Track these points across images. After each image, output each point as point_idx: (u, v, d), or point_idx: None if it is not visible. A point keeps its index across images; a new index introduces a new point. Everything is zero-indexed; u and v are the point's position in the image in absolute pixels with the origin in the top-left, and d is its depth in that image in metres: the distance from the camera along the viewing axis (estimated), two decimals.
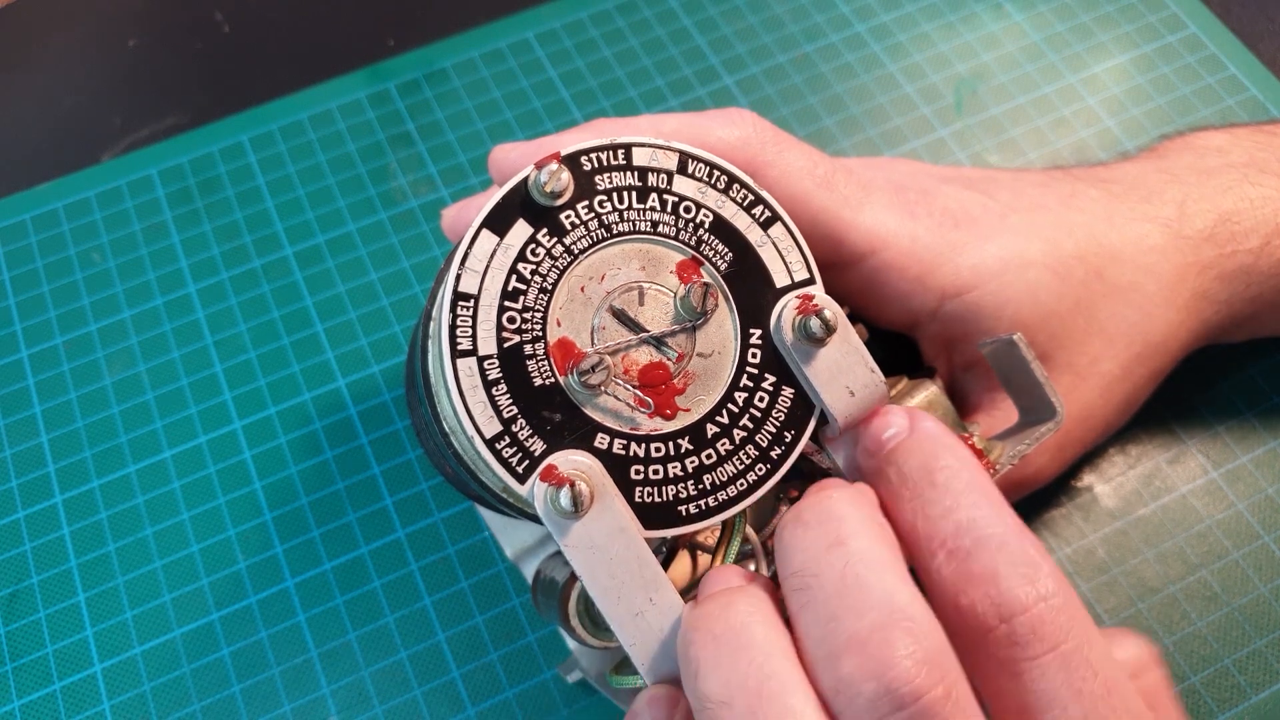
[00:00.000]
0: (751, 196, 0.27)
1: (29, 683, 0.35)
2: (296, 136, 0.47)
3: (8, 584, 0.37)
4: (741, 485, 0.26)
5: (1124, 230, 0.34)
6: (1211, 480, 0.38)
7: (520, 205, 0.26)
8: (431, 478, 0.39)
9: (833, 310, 0.26)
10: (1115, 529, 0.36)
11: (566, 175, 0.26)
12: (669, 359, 0.26)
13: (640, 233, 0.26)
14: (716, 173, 0.27)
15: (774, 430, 0.27)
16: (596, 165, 0.26)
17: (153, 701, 0.35)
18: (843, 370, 0.26)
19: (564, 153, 0.26)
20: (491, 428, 0.25)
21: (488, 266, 0.25)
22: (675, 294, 0.26)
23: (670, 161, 0.27)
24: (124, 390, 0.41)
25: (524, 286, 0.25)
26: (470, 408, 0.25)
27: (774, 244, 0.27)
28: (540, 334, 0.25)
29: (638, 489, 0.26)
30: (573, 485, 0.24)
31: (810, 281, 0.27)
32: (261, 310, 0.42)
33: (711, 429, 0.26)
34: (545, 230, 0.26)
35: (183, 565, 0.37)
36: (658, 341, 0.26)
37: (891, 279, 0.32)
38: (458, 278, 0.25)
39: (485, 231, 0.25)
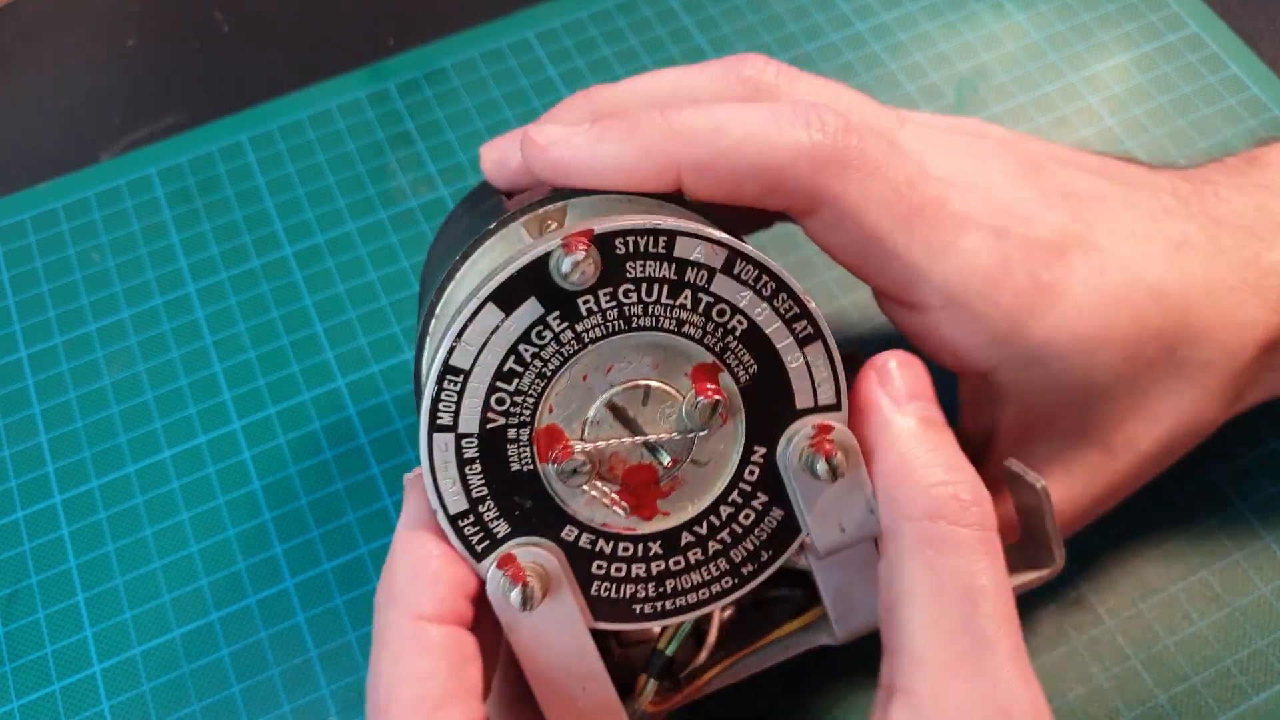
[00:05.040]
0: (796, 309, 0.24)
1: (28, 683, 0.35)
2: (296, 136, 0.47)
3: (7, 584, 0.37)
4: (703, 594, 0.25)
5: (1219, 304, 0.29)
6: (1213, 481, 0.37)
7: (534, 282, 0.23)
8: None
9: (846, 450, 0.24)
10: (1117, 529, 0.36)
11: (594, 265, 0.23)
12: (660, 463, 0.25)
13: (662, 329, 0.24)
14: (765, 278, 0.24)
15: (751, 548, 0.25)
16: (630, 251, 0.23)
17: (152, 702, 0.35)
18: (841, 509, 0.25)
19: (597, 232, 0.23)
20: (457, 505, 0.24)
21: (485, 343, 0.23)
22: (684, 399, 0.24)
23: (716, 259, 0.23)
24: (123, 390, 0.41)
25: (521, 369, 0.23)
26: (439, 483, 0.24)
27: (807, 363, 0.24)
28: (529, 419, 0.24)
29: (597, 583, 0.25)
30: (525, 584, 0.24)
31: (835, 408, 0.25)
32: (261, 310, 0.42)
33: (687, 537, 0.25)
34: (557, 314, 0.23)
35: (182, 565, 0.37)
36: (651, 448, 0.25)
37: (954, 336, 0.28)
38: (450, 350, 0.23)
39: (490, 306, 0.23)
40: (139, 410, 0.40)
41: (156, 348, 0.42)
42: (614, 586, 0.25)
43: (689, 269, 0.23)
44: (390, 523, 0.38)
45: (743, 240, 0.24)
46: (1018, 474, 0.28)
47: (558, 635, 0.24)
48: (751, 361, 0.24)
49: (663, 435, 0.24)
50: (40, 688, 0.35)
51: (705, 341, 0.24)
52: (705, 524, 0.25)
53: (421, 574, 0.24)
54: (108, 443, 0.40)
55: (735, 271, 0.24)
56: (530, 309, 0.23)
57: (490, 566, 0.24)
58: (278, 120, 0.47)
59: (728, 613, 0.29)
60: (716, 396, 0.24)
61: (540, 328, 0.23)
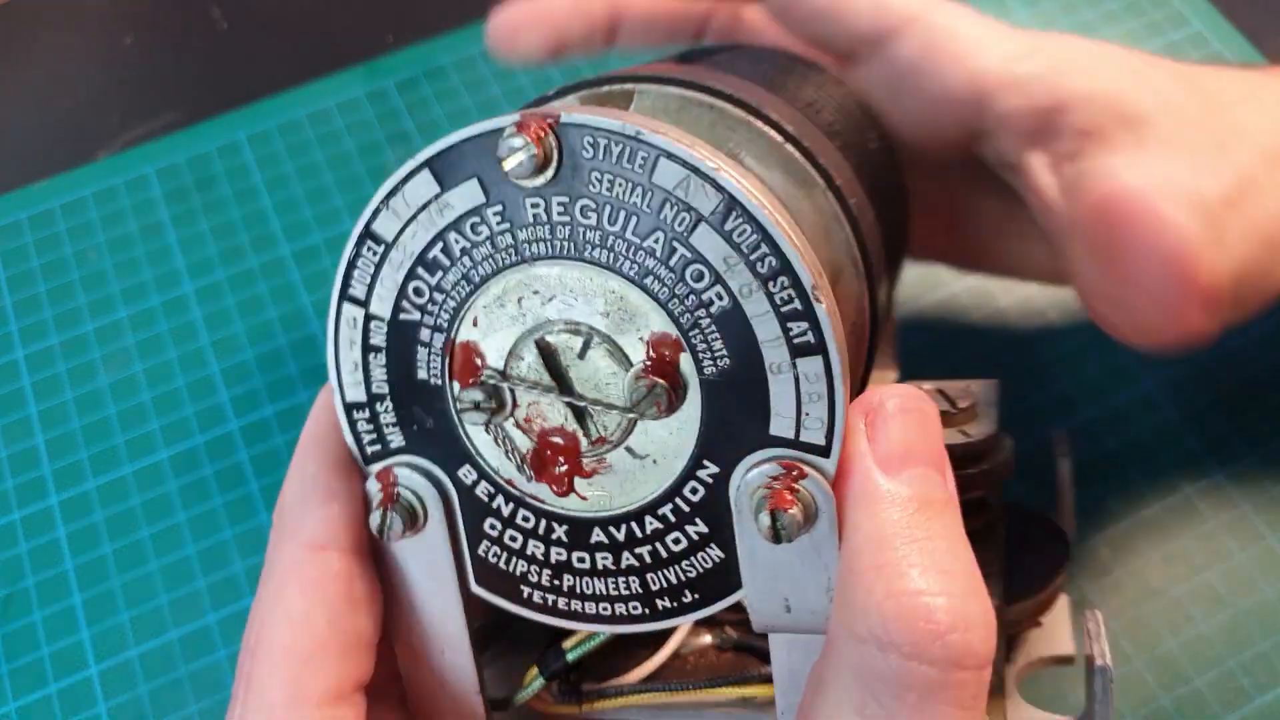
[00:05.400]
0: (798, 307, 0.18)
1: (25, 685, 0.35)
2: (294, 134, 0.46)
3: (3, 586, 0.37)
4: (604, 610, 0.21)
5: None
6: (1216, 481, 0.37)
7: (481, 161, 0.19)
8: None
9: (809, 512, 0.19)
10: (1120, 530, 0.36)
11: (540, 159, 0.18)
12: (585, 435, 0.20)
13: (621, 273, 0.19)
14: (764, 251, 0.18)
15: (673, 581, 0.21)
16: (598, 155, 0.19)
17: (149, 704, 0.35)
18: (791, 582, 0.20)
19: (563, 120, 0.18)
20: (355, 393, 0.21)
21: (413, 217, 0.20)
22: (629, 371, 0.20)
23: (706, 201, 0.18)
24: (120, 391, 0.41)
25: (447, 263, 0.20)
26: (340, 362, 0.21)
27: (796, 379, 0.19)
28: (445, 325, 0.20)
29: (487, 543, 0.22)
30: (386, 510, 0.21)
31: (821, 452, 0.19)
32: (258, 309, 0.42)
33: (599, 535, 0.21)
34: (499, 208, 0.19)
35: (179, 567, 0.37)
36: (578, 412, 0.20)
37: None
38: (375, 213, 0.20)
39: (426, 173, 0.20)
40: (136, 411, 0.40)
41: (154, 348, 0.41)
42: (505, 556, 0.22)
43: (668, 205, 0.18)
44: None
45: (768, 198, 0.19)
46: (1092, 660, 0.24)
47: (423, 582, 0.22)
48: (724, 352, 0.19)
49: (592, 402, 0.20)
50: (37, 689, 0.35)
51: (670, 307, 0.19)
52: (624, 529, 0.21)
53: (312, 491, 0.21)
54: (104, 444, 0.39)
55: (727, 227, 0.18)
56: (469, 192, 0.19)
57: (370, 477, 0.21)
58: (276, 118, 0.47)
59: (703, 638, 0.25)
60: (659, 381, 0.19)
61: (476, 220, 0.19)
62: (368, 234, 0.20)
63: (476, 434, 0.21)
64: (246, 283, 0.43)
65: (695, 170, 0.18)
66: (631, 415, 0.20)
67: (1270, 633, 0.35)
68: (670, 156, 0.18)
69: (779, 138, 0.24)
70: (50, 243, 0.44)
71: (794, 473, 0.19)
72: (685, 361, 0.19)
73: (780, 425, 0.19)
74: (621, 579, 0.21)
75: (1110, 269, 0.28)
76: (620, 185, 0.19)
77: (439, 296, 0.20)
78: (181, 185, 0.45)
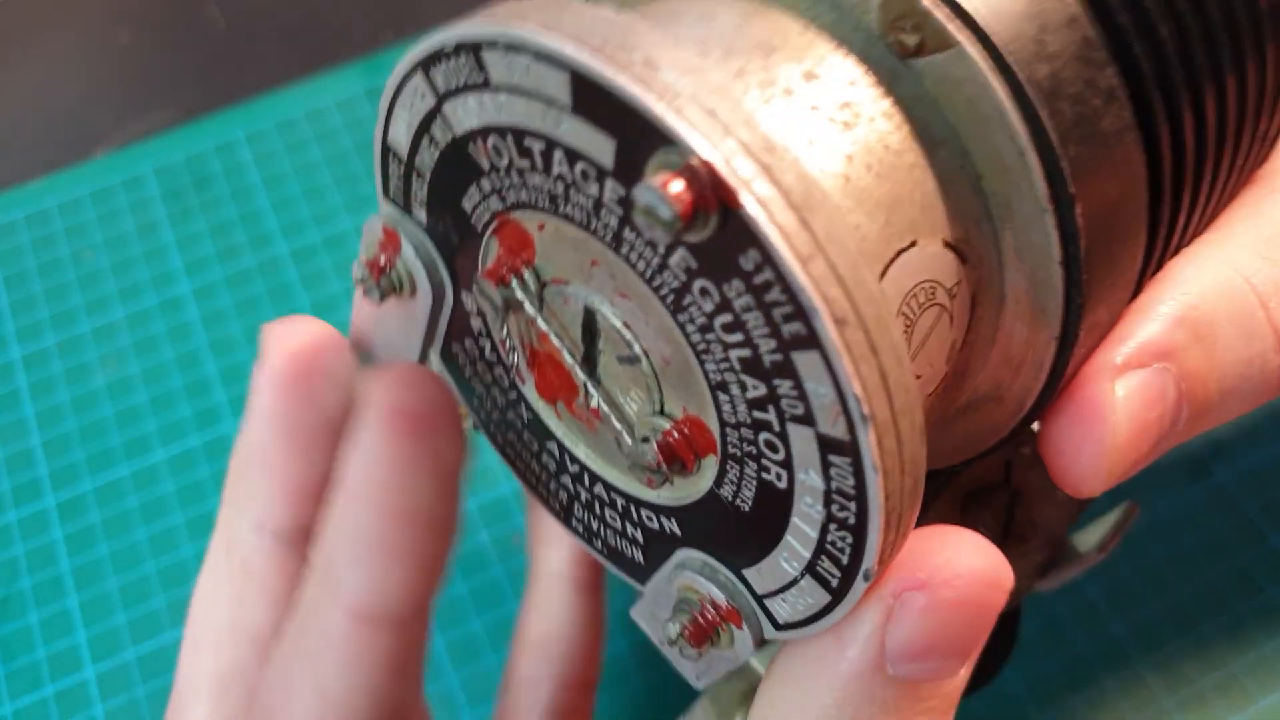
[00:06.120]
0: (829, 398, 0.14)
1: (21, 687, 0.35)
2: (292, 132, 0.46)
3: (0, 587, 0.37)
4: (529, 475, 0.21)
5: None
6: (1220, 484, 0.37)
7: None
8: None
9: (724, 659, 0.18)
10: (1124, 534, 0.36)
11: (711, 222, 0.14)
12: (585, 396, 0.19)
13: (703, 358, 0.16)
14: (768, 272, 0.14)
15: (597, 529, 0.20)
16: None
17: (147, 706, 0.35)
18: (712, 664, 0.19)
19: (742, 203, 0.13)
20: (399, 138, 0.18)
21: (538, 98, 0.15)
22: (652, 425, 0.18)
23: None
24: (117, 391, 0.40)
25: (541, 165, 0.16)
26: (393, 108, 0.18)
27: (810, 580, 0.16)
28: (508, 202, 0.17)
29: (477, 395, 0.21)
30: (381, 266, 0.19)
31: (781, 627, 0.17)
32: (255, 309, 0.42)
33: (553, 448, 0.20)
34: (623, 193, 0.15)
35: (177, 568, 0.37)
36: (590, 373, 0.18)
37: None
38: (514, 43, 0.15)
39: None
40: (133, 412, 0.40)
41: (150, 348, 0.41)
42: (492, 416, 0.21)
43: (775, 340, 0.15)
44: None
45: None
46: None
47: (394, 339, 0.21)
48: (750, 499, 0.17)
49: (605, 401, 0.18)
50: (34, 691, 0.35)
51: (728, 435, 0.16)
52: (578, 468, 0.20)
53: (370, 550, 0.17)
54: (101, 444, 0.39)
55: (723, 248, 0.14)
56: (602, 149, 0.15)
57: (378, 223, 0.19)
58: (274, 116, 0.47)
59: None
60: (664, 468, 0.17)
61: (593, 177, 0.15)
62: (492, 44, 0.16)
63: (498, 311, 0.19)
64: (243, 282, 0.43)
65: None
66: (628, 459, 0.18)
67: (1274, 635, 0.34)
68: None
69: None
70: (47, 242, 0.44)
71: (729, 622, 0.18)
72: (706, 472, 0.17)
73: (760, 581, 0.17)
74: (556, 487, 0.21)
75: None
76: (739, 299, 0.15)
77: (517, 178, 0.17)
78: (178, 184, 0.45)
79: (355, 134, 0.46)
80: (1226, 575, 0.35)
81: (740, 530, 0.17)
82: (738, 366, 0.15)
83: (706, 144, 0.14)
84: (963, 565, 0.15)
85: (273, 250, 0.43)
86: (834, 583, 0.16)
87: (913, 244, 0.17)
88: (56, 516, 0.38)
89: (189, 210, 0.44)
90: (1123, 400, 0.17)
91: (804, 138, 0.16)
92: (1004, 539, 0.24)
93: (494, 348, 0.20)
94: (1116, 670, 0.34)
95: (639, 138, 0.14)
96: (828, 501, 0.15)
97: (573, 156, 0.15)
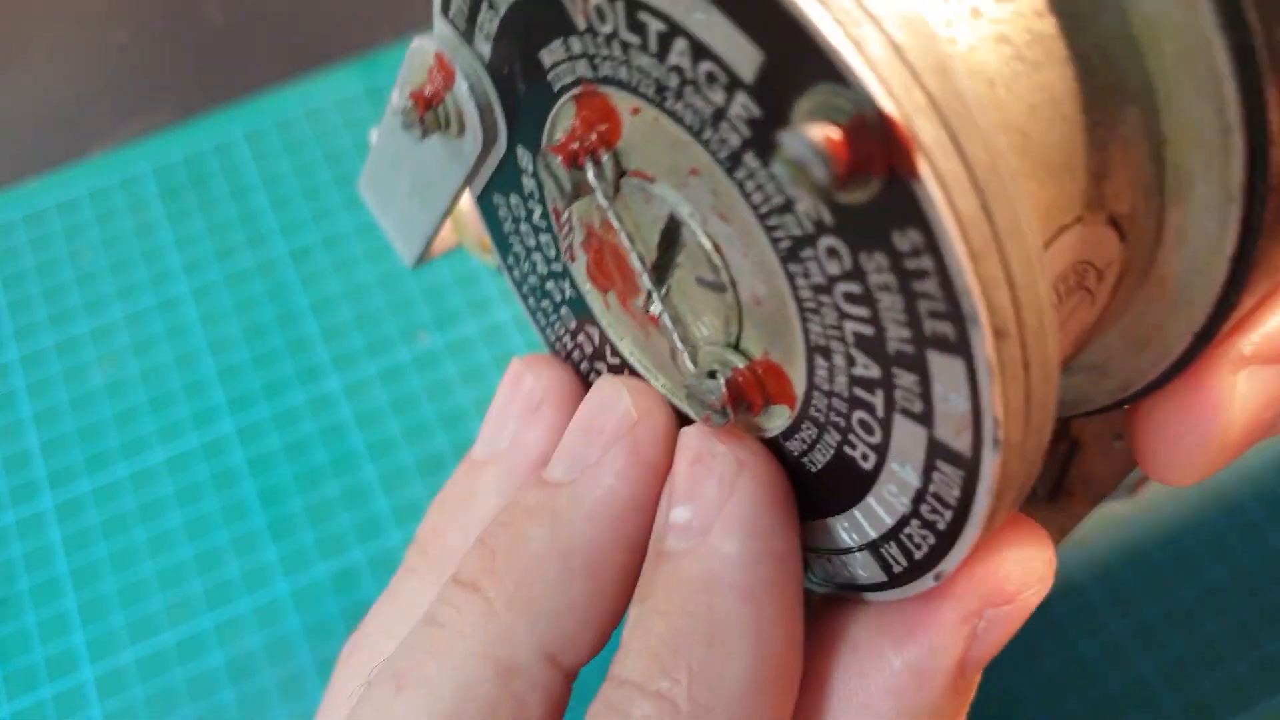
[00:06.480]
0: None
1: (19, 688, 0.35)
2: (291, 131, 0.46)
3: None
4: (549, 334, 0.20)
5: None
6: (1220, 481, 0.37)
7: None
8: (429, 477, 0.38)
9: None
10: (1125, 530, 0.36)
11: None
12: (645, 299, 0.17)
13: (809, 316, 0.14)
14: (927, 258, 0.12)
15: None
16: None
17: (144, 707, 0.35)
18: None
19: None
20: None
21: None
22: (722, 357, 0.16)
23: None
24: (115, 392, 0.40)
25: (655, 47, 0.14)
26: None
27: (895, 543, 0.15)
28: (598, 73, 0.15)
29: (514, 253, 0.19)
30: (426, 103, 0.17)
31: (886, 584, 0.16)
32: (254, 309, 0.42)
33: (594, 331, 0.18)
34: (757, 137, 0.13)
35: (175, 569, 0.37)
36: (658, 281, 0.16)
37: None
38: None
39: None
40: (131, 412, 0.40)
41: (148, 348, 0.41)
42: (508, 241, 0.19)
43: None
44: (381, 526, 0.37)
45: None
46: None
47: (420, 189, 0.19)
48: (822, 462, 0.15)
49: (672, 320, 0.16)
50: (31, 693, 0.35)
51: (801, 298, 0.14)
52: (627, 370, 0.18)
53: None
54: (99, 445, 0.39)
55: (880, 230, 0.12)
56: (750, 58, 0.12)
57: (429, 46, 0.17)
58: (272, 115, 0.47)
59: None
60: (728, 410, 0.15)
61: (723, 99, 0.13)
62: None
63: (556, 161, 0.16)
64: (242, 281, 0.42)
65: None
66: (686, 387, 0.16)
67: (1276, 635, 0.34)
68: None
69: None
70: (44, 242, 0.44)
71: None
72: (774, 419, 0.16)
73: (805, 532, 0.16)
74: (589, 369, 0.19)
75: None
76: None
77: (618, 51, 0.14)
78: (176, 183, 0.45)
79: (354, 133, 0.46)
80: (1227, 575, 0.35)
81: (800, 484, 0.16)
82: (850, 340, 0.13)
83: (886, 94, 0.11)
84: (1037, 578, 0.15)
85: (271, 250, 0.43)
86: (896, 569, 0.15)
87: (1078, 220, 0.14)
88: (54, 517, 0.38)
89: (187, 209, 0.44)
90: (1243, 396, 0.16)
91: (987, 77, 0.13)
92: (1053, 495, 0.22)
93: (545, 215, 0.18)
94: (1118, 671, 0.34)
95: (798, 61, 0.11)
96: (918, 500, 0.14)
97: (700, 52, 0.13)
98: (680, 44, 0.13)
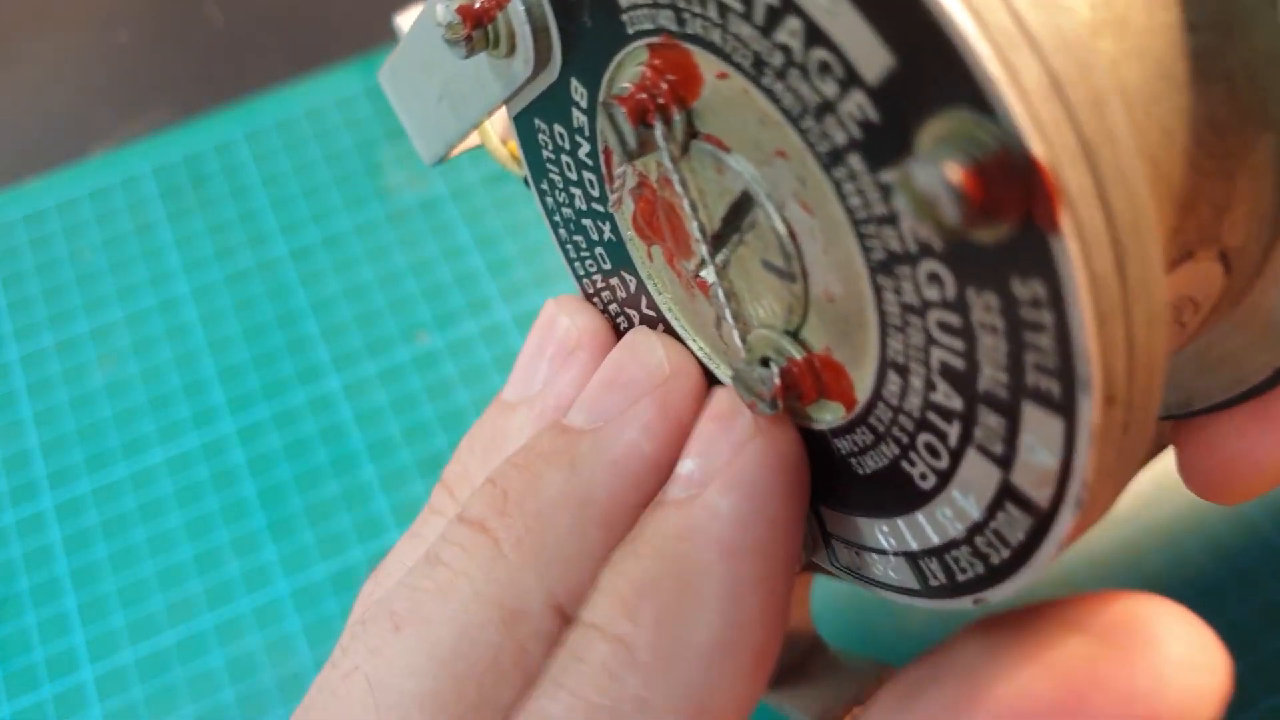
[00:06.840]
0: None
1: (19, 688, 0.35)
2: (291, 131, 0.46)
3: None
4: (577, 268, 0.19)
5: None
6: None
7: None
8: (429, 477, 0.38)
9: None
10: (1125, 531, 0.36)
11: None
12: (697, 262, 0.16)
13: (890, 323, 0.13)
14: (1042, 286, 0.10)
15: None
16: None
17: (144, 707, 0.35)
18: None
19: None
20: None
21: None
22: (780, 344, 0.15)
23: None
24: (115, 391, 0.40)
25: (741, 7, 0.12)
26: None
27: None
28: (676, 24, 0.13)
29: (549, 180, 0.18)
30: (476, 20, 0.15)
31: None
32: (254, 309, 0.42)
33: (631, 279, 0.18)
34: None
35: (175, 569, 0.37)
36: (715, 251, 0.15)
37: None
38: None
39: None
40: (130, 412, 0.40)
41: (149, 349, 0.41)
42: (547, 170, 0.18)
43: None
44: (381, 526, 0.37)
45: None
46: None
47: (456, 100, 0.18)
48: (877, 467, 0.14)
49: (727, 296, 0.15)
50: (31, 693, 0.35)
51: (886, 313, 0.13)
52: (662, 325, 0.17)
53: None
54: (99, 445, 0.39)
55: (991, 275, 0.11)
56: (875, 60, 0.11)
57: None
58: (272, 115, 0.46)
59: None
60: (777, 401, 0.14)
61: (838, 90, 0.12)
62: None
63: (621, 114, 0.15)
64: (242, 281, 0.42)
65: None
66: (734, 370, 0.15)
67: (1276, 635, 0.34)
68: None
69: None
70: (44, 242, 0.44)
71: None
72: (824, 414, 0.15)
73: (836, 525, 0.15)
74: (621, 317, 0.19)
75: None
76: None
77: (715, 13, 0.13)
78: (177, 183, 0.45)
79: (354, 132, 0.46)
80: (1227, 575, 0.35)
81: (840, 479, 0.15)
82: (935, 367, 0.12)
83: (1038, 135, 0.09)
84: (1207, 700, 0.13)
85: (271, 250, 0.43)
86: (933, 583, 0.14)
87: (1188, 255, 0.13)
88: (54, 517, 0.38)
89: (187, 209, 0.44)
90: None
91: (1126, 100, 0.12)
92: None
93: (594, 154, 0.17)
94: None
95: (937, 76, 0.10)
96: (975, 530, 0.13)
97: (815, 38, 0.11)
98: (792, 23, 0.11)
